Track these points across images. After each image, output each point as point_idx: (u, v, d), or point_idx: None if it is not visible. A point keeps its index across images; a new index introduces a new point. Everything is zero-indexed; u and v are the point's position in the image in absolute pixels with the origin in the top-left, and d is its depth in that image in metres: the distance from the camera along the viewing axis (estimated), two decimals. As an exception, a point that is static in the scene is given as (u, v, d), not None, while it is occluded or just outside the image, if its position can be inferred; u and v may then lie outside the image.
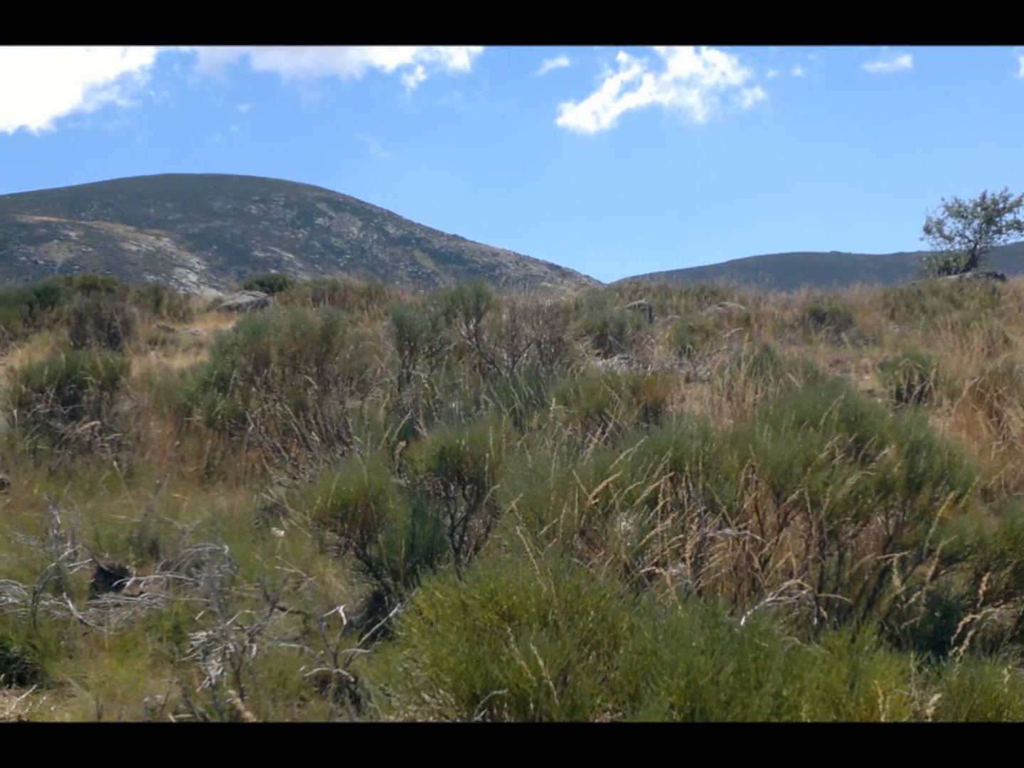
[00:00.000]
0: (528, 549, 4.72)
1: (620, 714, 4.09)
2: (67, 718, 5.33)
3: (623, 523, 5.78)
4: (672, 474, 5.92)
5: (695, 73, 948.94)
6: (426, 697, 4.40)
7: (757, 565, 5.71)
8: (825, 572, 6.07)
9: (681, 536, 5.55)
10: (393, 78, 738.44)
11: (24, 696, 5.60)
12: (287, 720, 5.01)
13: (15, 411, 10.60)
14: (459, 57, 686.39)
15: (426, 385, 10.87)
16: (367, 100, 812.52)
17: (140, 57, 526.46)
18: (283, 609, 6.45)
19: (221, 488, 9.60)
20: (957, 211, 44.84)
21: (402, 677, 4.57)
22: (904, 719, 3.94)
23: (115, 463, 9.35)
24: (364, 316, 22.31)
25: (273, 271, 79.20)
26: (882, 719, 3.86)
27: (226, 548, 6.82)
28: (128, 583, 6.90)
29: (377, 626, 5.85)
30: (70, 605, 6.27)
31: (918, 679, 4.44)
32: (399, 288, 32.61)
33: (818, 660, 4.15)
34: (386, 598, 6.68)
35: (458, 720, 4.18)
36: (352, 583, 7.13)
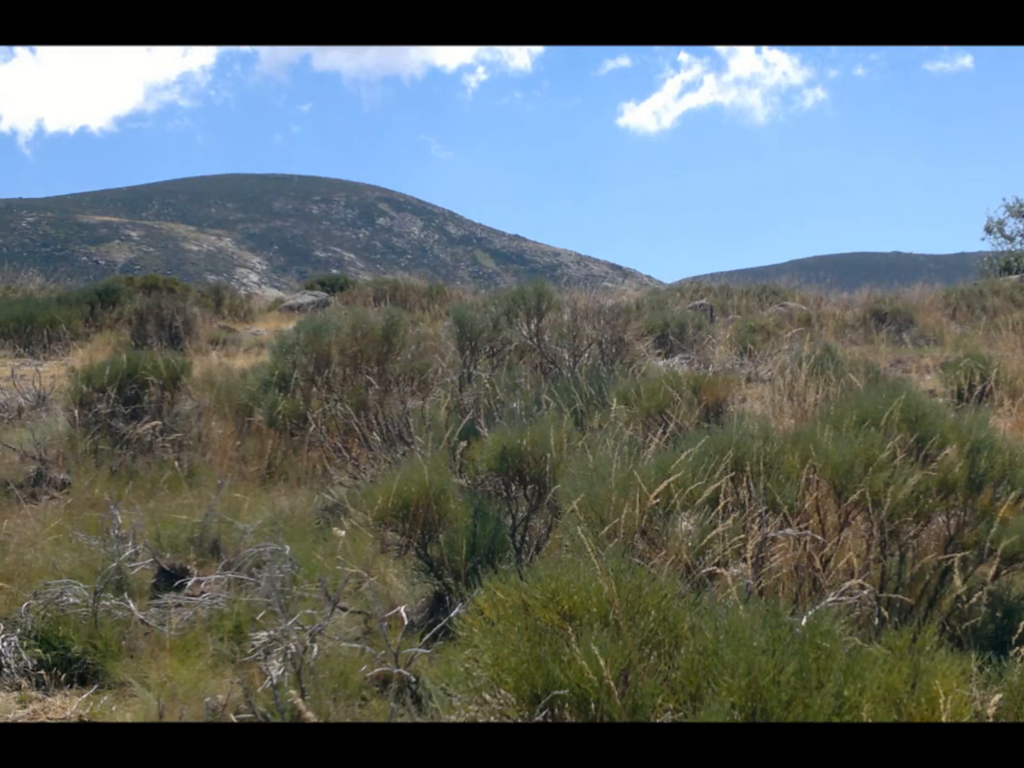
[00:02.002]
0: (589, 549, 4.71)
1: (681, 714, 4.08)
2: (128, 718, 5.37)
3: (684, 523, 5.77)
4: (733, 474, 5.90)
5: (756, 73, 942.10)
6: (487, 697, 4.40)
7: (818, 565, 5.69)
8: (886, 572, 6.03)
9: (742, 536, 5.55)
10: (454, 78, 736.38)
11: (85, 696, 5.65)
12: (348, 720, 5.03)
13: (76, 411, 10.68)
14: (520, 57, 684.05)
15: (487, 385, 10.86)
16: (428, 100, 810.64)
17: (201, 57, 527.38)
18: (344, 609, 6.48)
19: (282, 488, 9.65)
20: (1018, 211, 44.57)
21: (463, 677, 4.58)
22: (965, 719, 3.92)
23: (176, 463, 9.41)
24: (425, 316, 22.35)
25: (334, 271, 79.17)
26: (943, 719, 3.84)
27: (287, 548, 6.86)
28: (189, 583, 6.95)
29: (438, 626, 5.86)
30: (131, 605, 6.31)
31: (979, 679, 4.41)
32: (460, 288, 32.67)
33: (879, 660, 4.13)
34: (447, 598, 6.70)
35: (519, 720, 4.19)
36: (413, 583, 7.14)
